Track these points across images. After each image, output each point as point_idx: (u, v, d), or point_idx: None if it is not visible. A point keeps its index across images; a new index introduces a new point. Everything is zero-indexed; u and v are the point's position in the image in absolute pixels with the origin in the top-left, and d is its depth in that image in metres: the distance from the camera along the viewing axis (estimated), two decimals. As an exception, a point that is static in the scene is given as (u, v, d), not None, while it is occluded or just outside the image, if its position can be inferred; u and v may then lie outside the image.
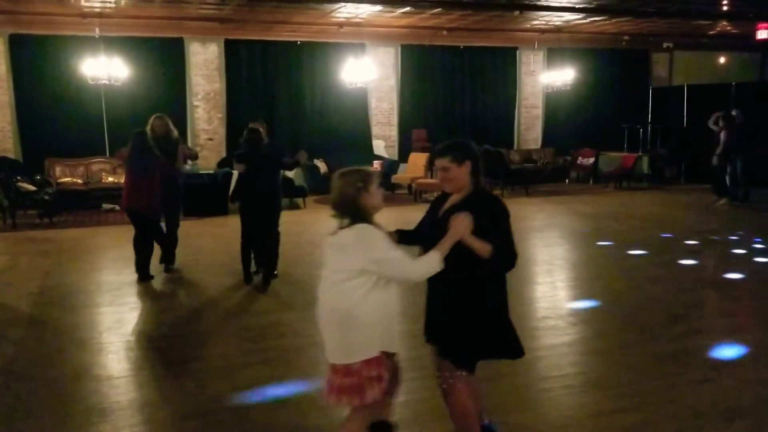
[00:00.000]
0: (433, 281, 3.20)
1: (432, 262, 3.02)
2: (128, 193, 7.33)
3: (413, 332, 5.59)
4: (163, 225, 7.78)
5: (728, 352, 5.13)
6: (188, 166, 8.09)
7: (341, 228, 3.04)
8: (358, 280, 2.99)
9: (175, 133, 7.76)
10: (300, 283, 7.12)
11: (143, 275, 7.39)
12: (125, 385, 4.69)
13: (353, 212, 3.03)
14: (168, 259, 7.94)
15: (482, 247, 3.07)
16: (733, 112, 13.15)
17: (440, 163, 3.27)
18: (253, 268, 7.43)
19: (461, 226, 3.03)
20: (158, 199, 7.34)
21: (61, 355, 5.21)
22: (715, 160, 13.11)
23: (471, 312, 3.19)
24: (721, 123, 12.96)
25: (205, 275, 7.94)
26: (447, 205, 3.31)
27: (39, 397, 4.42)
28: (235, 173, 7.87)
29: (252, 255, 7.40)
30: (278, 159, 7.34)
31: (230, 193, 7.40)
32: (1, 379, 4.72)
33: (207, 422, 4.02)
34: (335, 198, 3.08)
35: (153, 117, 7.64)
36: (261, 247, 7.29)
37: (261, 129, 7.34)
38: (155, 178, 7.28)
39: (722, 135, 12.91)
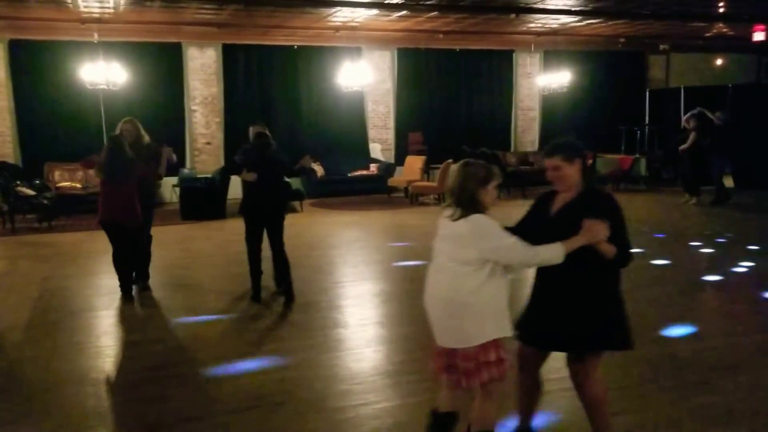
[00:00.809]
0: (547, 280, 3.32)
1: (556, 252, 3.10)
2: (105, 204, 6.68)
3: (409, 336, 5.65)
4: None
5: (728, 355, 5.15)
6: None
7: (454, 219, 3.12)
8: (473, 269, 3.09)
9: (146, 138, 7.28)
10: (301, 282, 7.12)
11: (130, 294, 6.85)
12: (123, 388, 4.72)
13: (468, 204, 3.12)
14: (144, 275, 7.27)
15: (609, 249, 3.17)
16: (716, 113, 13.20)
17: (551, 162, 3.33)
18: (271, 288, 6.93)
19: (600, 233, 3.12)
20: (138, 208, 6.73)
21: (60, 359, 5.23)
22: (685, 159, 13.17)
23: (595, 305, 3.28)
24: (692, 123, 12.99)
25: (203, 278, 7.98)
26: (559, 203, 3.37)
27: (37, 401, 4.44)
28: (235, 180, 7.23)
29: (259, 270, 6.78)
30: (286, 166, 6.92)
31: (240, 205, 6.77)
32: (2, 382, 4.74)
33: (207, 424, 4.05)
34: (454, 186, 3.17)
35: (122, 121, 7.24)
36: (277, 263, 6.76)
37: (268, 133, 6.92)
38: (134, 185, 6.71)
39: (691, 135, 12.96)
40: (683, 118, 13.35)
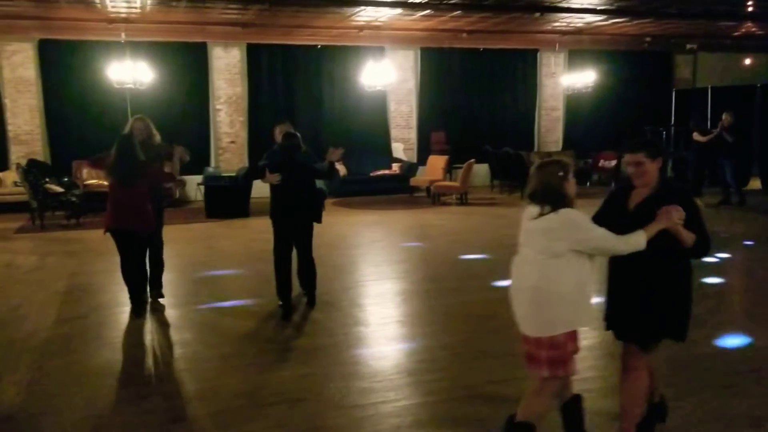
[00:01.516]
0: (625, 268, 3.40)
1: (639, 241, 3.23)
2: (115, 210, 6.13)
3: (429, 335, 5.68)
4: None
5: (751, 358, 5.12)
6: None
7: (542, 214, 3.25)
8: (562, 261, 3.22)
9: (158, 137, 6.80)
10: (323, 281, 7.16)
11: (141, 307, 6.35)
12: (147, 382, 4.81)
13: (556, 199, 3.25)
14: (158, 283, 6.84)
15: (688, 236, 3.31)
16: (723, 115, 13.07)
17: (634, 158, 3.47)
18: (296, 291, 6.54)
19: (675, 216, 3.26)
20: (151, 213, 6.26)
21: (86, 353, 5.35)
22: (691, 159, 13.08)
23: (669, 294, 3.42)
24: (730, 119, 12.89)
25: (227, 275, 8.08)
26: (636, 199, 3.50)
27: (64, 393, 4.54)
28: (261, 184, 6.55)
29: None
30: (315, 168, 6.39)
31: (270, 211, 6.36)
32: (30, 376, 4.85)
33: (227, 419, 4.12)
34: (536, 187, 3.31)
35: (133, 118, 6.85)
36: (304, 270, 6.42)
37: (298, 133, 6.46)
38: (145, 189, 6.19)
39: (694, 136, 12.89)
40: (723, 116, 13.18)
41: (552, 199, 3.26)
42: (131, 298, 6.34)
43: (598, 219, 3.53)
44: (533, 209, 3.32)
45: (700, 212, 3.40)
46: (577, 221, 3.24)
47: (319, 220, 6.52)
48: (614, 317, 3.56)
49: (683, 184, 12.97)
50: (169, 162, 6.73)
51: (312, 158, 6.57)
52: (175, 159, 6.80)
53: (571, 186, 3.31)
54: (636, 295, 3.44)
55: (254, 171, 6.61)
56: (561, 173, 3.29)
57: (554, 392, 3.41)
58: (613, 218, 3.46)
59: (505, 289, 7.29)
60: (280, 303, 6.30)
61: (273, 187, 6.25)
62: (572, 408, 3.56)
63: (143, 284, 6.50)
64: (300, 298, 6.59)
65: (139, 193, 6.13)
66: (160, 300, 6.72)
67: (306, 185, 6.30)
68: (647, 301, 3.41)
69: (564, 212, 3.23)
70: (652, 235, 3.24)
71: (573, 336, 3.30)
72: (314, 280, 6.47)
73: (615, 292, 3.56)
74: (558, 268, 3.22)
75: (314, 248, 6.43)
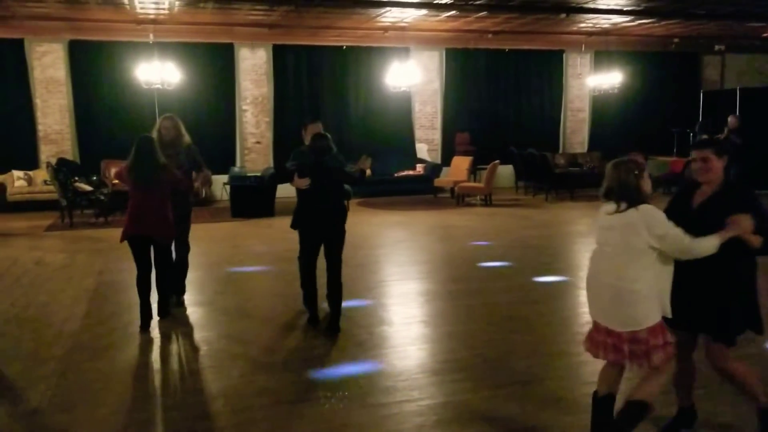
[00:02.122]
0: (691, 267, 3.43)
1: (712, 244, 3.31)
2: (135, 216, 5.79)
3: (453, 335, 5.69)
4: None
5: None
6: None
7: (619, 211, 3.38)
8: (640, 257, 3.33)
9: (187, 138, 6.49)
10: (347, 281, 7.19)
11: (148, 322, 5.90)
12: (173, 378, 4.88)
13: (633, 196, 3.37)
14: (181, 289, 6.67)
15: (756, 240, 3.37)
16: (729, 118, 12.92)
17: (701, 154, 3.56)
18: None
19: (746, 227, 3.32)
20: (172, 221, 5.95)
21: (114, 349, 5.42)
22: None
23: (738, 291, 3.52)
24: (736, 122, 12.77)
25: (253, 274, 8.15)
26: (700, 197, 3.60)
27: (92, 388, 4.62)
28: (287, 188, 6.18)
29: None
30: (347, 173, 5.99)
31: (292, 218, 5.94)
32: (60, 369, 4.95)
33: (253, 415, 4.16)
34: (612, 185, 3.45)
35: (161, 117, 6.55)
36: (332, 288, 5.91)
37: (328, 134, 6.00)
38: (166, 193, 5.87)
39: (726, 131, 12.77)
40: (729, 119, 13.06)
41: (630, 195, 3.37)
42: (141, 311, 5.88)
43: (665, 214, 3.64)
44: (609, 207, 3.45)
45: (764, 211, 3.44)
46: (657, 217, 3.34)
47: (344, 227, 5.96)
48: (685, 315, 3.57)
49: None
50: (198, 173, 6.54)
51: (341, 161, 6.16)
52: (198, 183, 6.62)
53: (646, 183, 3.41)
54: (707, 293, 3.51)
55: (281, 174, 6.21)
56: (636, 172, 3.39)
57: (669, 371, 3.50)
58: (678, 217, 3.50)
59: (529, 289, 7.35)
60: (307, 312, 6.04)
61: (300, 192, 5.80)
62: (604, 403, 3.60)
63: (166, 294, 6.18)
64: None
65: (158, 197, 5.80)
66: (183, 306, 6.54)
67: (336, 190, 5.87)
68: (720, 297, 3.49)
69: (644, 208, 3.34)
70: (725, 241, 3.32)
71: (659, 329, 3.37)
72: (340, 303, 5.87)
73: (684, 288, 3.61)
74: (637, 265, 3.33)
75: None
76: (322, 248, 5.87)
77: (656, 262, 3.35)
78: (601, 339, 3.50)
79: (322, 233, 5.81)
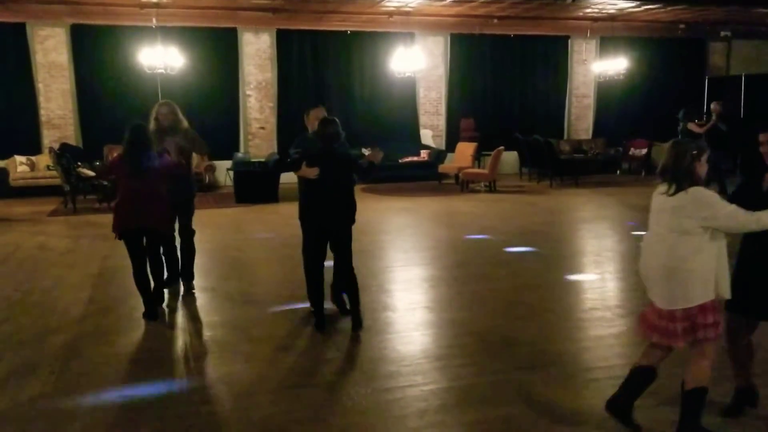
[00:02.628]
0: (755, 251, 3.56)
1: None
2: (128, 207, 5.63)
3: (457, 321, 5.68)
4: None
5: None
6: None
7: (670, 193, 3.42)
8: (692, 237, 3.38)
9: (185, 123, 6.34)
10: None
11: (155, 311, 5.79)
12: (178, 365, 4.88)
13: (685, 178, 3.40)
14: (189, 275, 6.57)
15: None
16: (712, 105, 12.83)
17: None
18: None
19: None
20: (166, 210, 5.85)
21: (119, 335, 5.43)
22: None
23: None
24: (720, 108, 12.69)
25: (257, 259, 8.15)
26: None
27: (97, 374, 4.62)
28: (291, 174, 5.58)
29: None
30: (357, 162, 5.58)
31: (299, 210, 5.52)
32: (64, 354, 4.96)
33: (258, 400, 4.16)
34: (668, 164, 3.47)
35: (158, 104, 6.42)
36: (343, 283, 5.58)
37: (337, 119, 5.47)
38: (161, 182, 5.72)
39: (690, 126, 12.71)
40: (712, 106, 12.97)
41: (681, 177, 3.40)
42: (145, 302, 5.75)
43: (735, 197, 3.67)
44: (662, 188, 3.49)
45: None
46: (706, 198, 3.36)
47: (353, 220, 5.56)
48: (744, 297, 3.61)
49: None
50: (198, 154, 6.52)
51: (346, 148, 5.81)
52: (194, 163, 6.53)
53: (701, 167, 3.42)
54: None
55: (285, 162, 5.81)
56: (695, 152, 3.41)
57: (713, 354, 3.53)
58: (748, 198, 3.55)
59: (533, 275, 7.31)
60: (312, 310, 5.58)
61: (306, 182, 5.32)
62: (643, 373, 3.68)
63: (162, 280, 6.06)
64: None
65: (153, 186, 5.63)
66: (193, 291, 6.51)
67: (346, 180, 5.41)
68: None
69: (693, 190, 3.37)
70: None
71: (710, 308, 3.40)
72: (357, 296, 5.51)
73: (746, 273, 3.66)
74: (688, 246, 3.38)
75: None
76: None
77: (709, 243, 3.38)
78: (655, 321, 3.57)
79: (330, 228, 5.36)
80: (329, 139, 5.26)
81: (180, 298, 6.42)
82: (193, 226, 6.66)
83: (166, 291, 6.24)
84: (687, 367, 3.55)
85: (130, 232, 5.67)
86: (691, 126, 12.62)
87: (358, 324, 5.40)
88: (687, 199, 3.37)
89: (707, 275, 3.39)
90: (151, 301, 5.79)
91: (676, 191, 3.40)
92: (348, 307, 5.63)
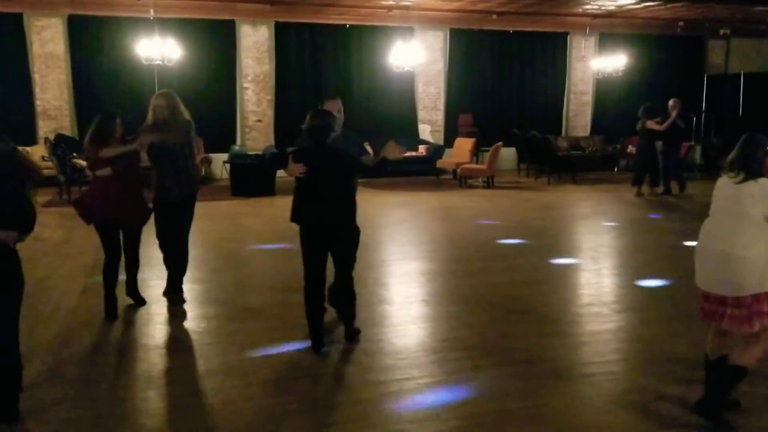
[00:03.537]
0: None
1: None
2: (107, 198, 5.47)
3: (453, 314, 5.65)
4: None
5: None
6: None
7: (739, 182, 3.57)
8: (753, 226, 3.51)
9: (185, 114, 5.77)
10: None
11: (114, 310, 5.54)
12: (172, 355, 4.85)
13: (754, 170, 3.56)
14: (178, 285, 5.96)
15: None
16: (670, 102, 12.83)
17: None
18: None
19: None
20: (144, 204, 5.80)
21: (112, 325, 5.40)
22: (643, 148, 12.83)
23: None
24: (678, 106, 12.70)
25: (252, 252, 8.11)
26: None
27: (91, 364, 4.60)
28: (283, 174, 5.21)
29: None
30: (355, 159, 4.99)
31: (292, 212, 4.94)
32: (57, 345, 4.92)
33: (252, 392, 4.12)
34: (738, 155, 3.63)
35: (155, 95, 5.90)
36: (338, 291, 5.05)
37: (337, 112, 5.12)
38: (136, 175, 5.65)
39: (673, 114, 12.72)
40: (670, 103, 12.94)
41: (751, 168, 3.55)
42: (106, 297, 5.53)
43: None
44: (730, 176, 3.62)
45: None
46: None
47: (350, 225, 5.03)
48: None
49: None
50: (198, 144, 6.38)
51: (355, 143, 5.33)
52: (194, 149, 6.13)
53: None
54: None
55: (279, 157, 5.40)
56: (767, 149, 3.60)
57: (765, 347, 3.63)
58: None
59: (530, 270, 7.30)
60: (310, 332, 4.85)
61: (297, 181, 4.82)
62: (717, 365, 3.76)
63: (136, 277, 5.88)
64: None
65: (132, 179, 5.59)
66: (177, 305, 5.88)
67: (340, 179, 4.79)
68: None
69: (763, 180, 3.54)
70: None
71: (764, 298, 3.50)
72: (353, 307, 5.01)
73: None
74: (748, 234, 3.50)
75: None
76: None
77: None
78: (712, 308, 3.67)
79: (325, 235, 4.77)
80: (316, 133, 4.71)
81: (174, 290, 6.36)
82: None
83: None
84: (737, 345, 3.66)
85: (104, 223, 5.53)
86: (650, 124, 12.63)
87: (350, 338, 4.96)
88: (757, 188, 3.51)
89: (763, 264, 3.48)
90: (115, 298, 5.58)
91: (745, 179, 3.53)
92: (339, 317, 5.24)
